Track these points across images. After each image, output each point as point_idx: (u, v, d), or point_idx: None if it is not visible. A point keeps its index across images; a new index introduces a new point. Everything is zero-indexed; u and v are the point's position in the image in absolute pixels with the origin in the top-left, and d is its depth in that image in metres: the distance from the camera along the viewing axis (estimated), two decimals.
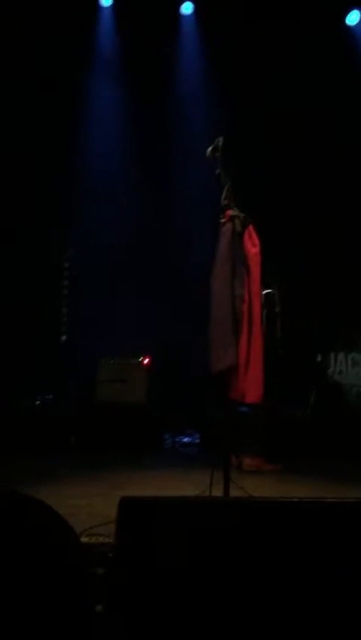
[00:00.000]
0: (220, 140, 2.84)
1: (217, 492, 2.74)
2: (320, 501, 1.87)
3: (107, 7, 6.67)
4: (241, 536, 1.74)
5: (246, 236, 2.64)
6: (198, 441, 5.76)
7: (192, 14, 6.75)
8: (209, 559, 1.72)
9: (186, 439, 5.94)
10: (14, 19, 6.12)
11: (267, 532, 1.76)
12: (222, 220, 2.64)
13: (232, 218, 2.61)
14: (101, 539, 2.62)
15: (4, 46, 6.06)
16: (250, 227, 2.73)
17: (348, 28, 6.68)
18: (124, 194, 6.42)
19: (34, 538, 2.10)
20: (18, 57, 6.11)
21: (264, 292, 3.62)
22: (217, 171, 2.79)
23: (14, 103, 6.14)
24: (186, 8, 6.71)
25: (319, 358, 6.11)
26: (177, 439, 5.87)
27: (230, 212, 2.63)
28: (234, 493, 2.99)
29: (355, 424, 5.35)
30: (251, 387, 2.63)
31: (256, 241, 2.72)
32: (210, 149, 2.88)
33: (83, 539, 2.57)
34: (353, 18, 6.64)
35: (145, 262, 6.36)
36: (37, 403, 6.18)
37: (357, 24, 6.64)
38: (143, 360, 6.37)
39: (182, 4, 6.69)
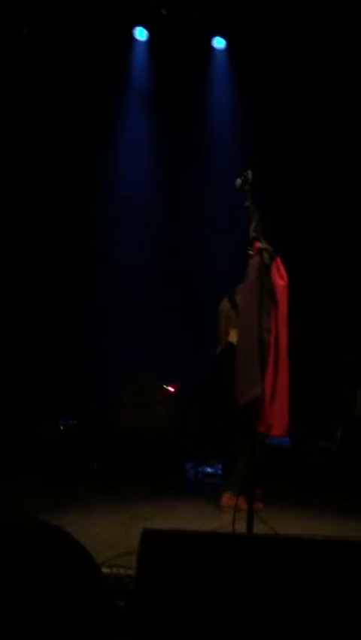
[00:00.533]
0: (250, 173, 2.87)
1: (241, 525, 2.71)
2: (345, 541, 1.83)
3: (142, 42, 6.84)
4: (264, 574, 1.71)
5: (274, 269, 2.65)
6: (220, 472, 5.70)
7: (224, 49, 6.87)
8: (231, 595, 1.69)
9: (208, 470, 5.88)
10: (53, 52, 6.31)
11: (291, 571, 1.73)
12: (251, 252, 2.66)
13: (260, 251, 2.62)
14: (122, 571, 2.60)
15: (41, 75, 6.26)
16: (278, 260, 2.73)
17: None
18: (153, 223, 6.50)
19: (54, 566, 2.10)
20: (56, 87, 6.29)
21: None
22: (246, 203, 2.81)
23: (49, 132, 6.30)
24: (219, 43, 6.84)
25: (346, 391, 6.03)
26: (199, 469, 5.81)
27: (258, 245, 2.64)
28: (257, 527, 2.95)
29: None
30: (277, 419, 2.61)
31: (284, 274, 2.73)
32: (239, 180, 2.91)
33: (104, 570, 2.55)
34: None
35: (173, 291, 6.40)
36: (61, 427, 6.19)
37: None
38: (168, 388, 6.37)
39: (214, 38, 6.82)
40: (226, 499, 4.05)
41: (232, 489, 4.00)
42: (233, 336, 4.21)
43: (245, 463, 4.01)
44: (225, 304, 4.29)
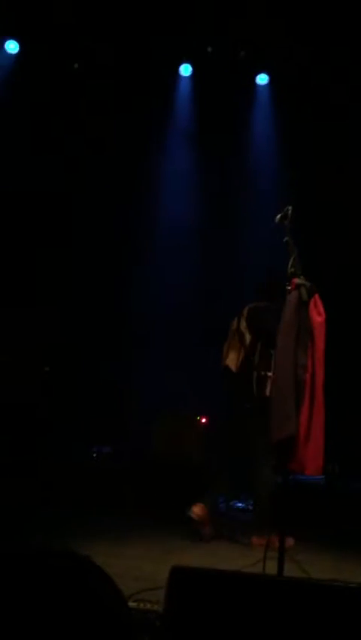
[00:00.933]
0: (289, 209, 2.89)
1: (272, 564, 2.65)
2: None
3: (186, 77, 6.99)
4: (293, 618, 1.67)
5: (311, 305, 2.64)
6: (251, 507, 5.61)
7: (266, 84, 6.97)
8: (257, 638, 1.65)
9: (240, 504, 5.79)
10: (99, 86, 6.50)
11: (322, 617, 1.68)
12: (289, 288, 2.66)
13: (298, 287, 2.62)
14: (149, 606, 2.57)
15: (86, 109, 6.44)
16: (316, 296, 2.72)
17: None
18: (193, 254, 6.56)
19: (82, 597, 2.09)
20: (101, 121, 6.46)
21: None
22: (285, 239, 2.82)
23: (92, 168, 6.45)
24: (262, 79, 6.95)
25: None
26: (230, 503, 5.73)
27: (296, 281, 2.64)
28: (289, 568, 2.88)
29: None
30: (311, 458, 2.57)
31: (322, 310, 2.71)
32: (279, 216, 2.93)
33: (131, 604, 2.52)
34: None
35: (210, 323, 6.42)
36: (95, 455, 6.20)
37: None
38: (201, 419, 6.34)
39: (258, 74, 6.93)
40: (256, 540, 3.98)
41: (259, 531, 3.94)
42: (231, 360, 4.22)
43: (262, 502, 4.01)
44: (233, 325, 4.32)
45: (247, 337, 4.12)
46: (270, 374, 3.91)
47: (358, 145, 6.32)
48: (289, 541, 3.78)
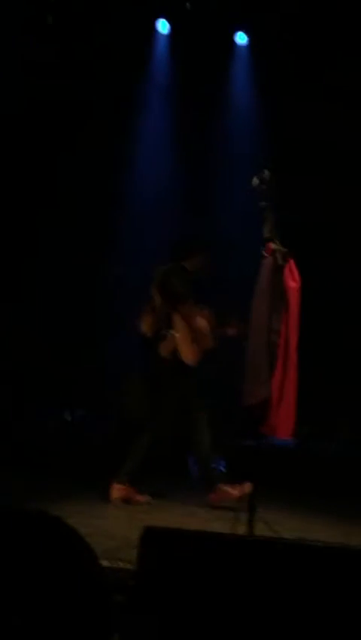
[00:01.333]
0: (266, 173, 2.85)
1: (242, 525, 2.72)
2: (346, 548, 1.83)
3: (164, 35, 6.82)
4: (262, 577, 1.71)
5: (286, 271, 2.64)
6: (223, 469, 5.69)
7: (246, 45, 6.84)
8: (227, 597, 1.69)
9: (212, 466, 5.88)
10: (74, 40, 6.30)
11: (290, 575, 1.73)
12: (264, 253, 2.65)
13: (273, 252, 2.61)
14: (122, 565, 2.61)
15: (61, 63, 6.25)
16: (291, 262, 2.72)
17: None
18: (168, 218, 6.48)
19: (52, 557, 2.11)
20: (75, 75, 6.29)
21: None
22: (262, 203, 2.80)
23: (66, 122, 6.30)
24: (241, 38, 6.81)
25: (352, 392, 6.02)
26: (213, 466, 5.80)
27: (272, 246, 2.63)
28: (258, 526, 2.95)
29: None
30: (283, 422, 2.61)
31: (297, 276, 2.71)
32: (256, 179, 2.90)
33: (104, 563, 2.56)
34: None
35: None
36: (69, 418, 6.21)
37: None
38: None
39: (236, 33, 6.79)
40: (213, 497, 4.06)
41: (210, 488, 4.05)
42: (145, 323, 4.23)
43: (136, 454, 4.10)
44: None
45: (156, 299, 4.13)
46: (172, 333, 4.01)
47: (338, 106, 6.26)
48: (247, 487, 3.77)
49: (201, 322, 4.09)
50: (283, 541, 1.89)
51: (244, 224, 4.49)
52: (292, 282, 2.69)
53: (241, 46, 6.86)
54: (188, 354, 4.01)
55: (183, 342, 3.99)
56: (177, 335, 3.99)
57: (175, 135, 6.77)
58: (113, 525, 3.51)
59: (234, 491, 3.96)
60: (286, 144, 6.32)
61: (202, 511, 4.07)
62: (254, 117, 6.71)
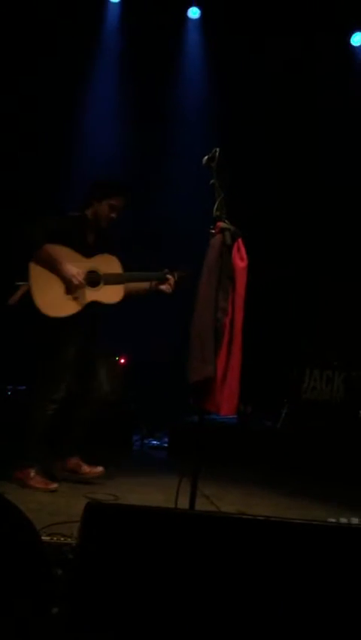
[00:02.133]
0: (217, 151, 2.84)
1: (184, 499, 2.75)
2: (285, 521, 1.88)
3: (115, 3, 6.66)
4: (204, 552, 1.74)
5: (235, 250, 2.65)
6: (166, 445, 5.76)
7: (198, 19, 6.76)
8: (167, 571, 1.72)
9: (154, 442, 5.94)
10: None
11: (230, 549, 1.77)
12: (213, 231, 2.65)
13: (222, 230, 2.62)
14: (62, 539, 2.62)
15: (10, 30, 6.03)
16: (240, 241, 2.73)
17: (353, 48, 6.77)
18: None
19: None
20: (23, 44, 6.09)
21: None
22: (212, 181, 2.79)
23: (16, 93, 6.10)
24: (194, 13, 6.73)
25: (293, 372, 6.15)
26: (145, 441, 5.86)
27: (221, 224, 2.64)
28: (199, 501, 3.00)
29: (324, 442, 5.40)
30: (226, 399, 2.64)
31: (244, 255, 2.73)
32: (206, 158, 2.88)
33: (44, 538, 2.56)
34: (358, 39, 6.72)
35: (134, 264, 6.36)
36: (9, 393, 6.12)
37: None
38: (119, 359, 6.37)
39: (189, 7, 6.71)
40: (72, 463, 4.01)
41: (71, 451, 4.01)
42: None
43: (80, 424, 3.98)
44: None
45: None
46: (19, 284, 3.75)
47: (287, 80, 6.29)
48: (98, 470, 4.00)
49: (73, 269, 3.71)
50: (223, 515, 1.92)
51: (192, 200, 4.48)
52: (240, 261, 2.70)
53: (193, 20, 6.79)
54: (40, 303, 3.65)
55: (35, 290, 3.66)
56: (25, 284, 3.70)
57: (125, 107, 6.66)
58: (56, 500, 3.50)
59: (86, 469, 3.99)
60: (236, 119, 6.31)
61: (146, 486, 4.10)
62: (206, 91, 6.67)
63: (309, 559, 1.78)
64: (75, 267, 3.74)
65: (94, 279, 3.85)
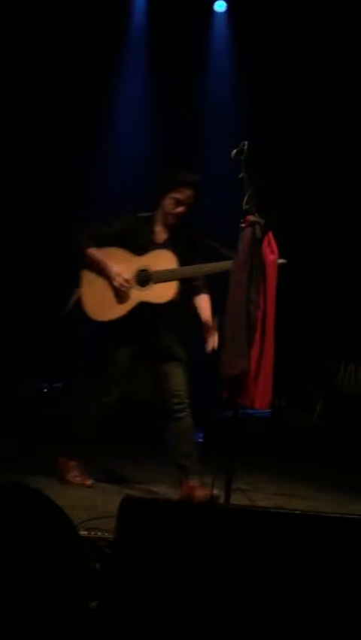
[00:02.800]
0: (245, 144, 2.82)
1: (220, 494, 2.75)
2: (322, 515, 1.86)
3: (142, 2, 6.68)
4: (240, 546, 1.74)
5: (265, 243, 2.63)
6: (200, 439, 5.76)
7: (225, 12, 6.73)
8: (208, 566, 1.72)
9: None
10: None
11: (266, 543, 1.76)
12: (243, 225, 2.64)
13: (252, 224, 2.60)
14: (100, 534, 2.64)
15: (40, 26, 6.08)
16: (270, 234, 2.72)
17: None
18: (145, 187, 6.41)
19: (31, 528, 2.12)
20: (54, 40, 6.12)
21: None
22: (241, 175, 2.78)
23: (49, 93, 6.16)
24: (220, 6, 6.70)
25: (328, 365, 6.09)
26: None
27: (251, 218, 2.62)
28: (235, 496, 2.99)
29: (360, 436, 5.34)
30: (260, 393, 2.63)
31: (275, 248, 2.71)
32: (234, 151, 2.87)
33: (82, 532, 2.59)
34: None
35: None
36: (45, 390, 6.20)
37: None
38: None
39: (215, 1, 6.68)
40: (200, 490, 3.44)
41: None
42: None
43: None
44: None
45: None
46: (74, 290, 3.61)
47: (315, 75, 6.21)
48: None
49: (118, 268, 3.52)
50: (260, 509, 1.92)
51: (222, 194, 4.45)
52: (271, 254, 2.69)
53: (219, 14, 6.75)
54: (87, 308, 3.54)
55: (84, 296, 3.55)
56: (78, 290, 3.60)
57: (153, 102, 6.66)
58: (93, 496, 3.53)
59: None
60: (265, 112, 6.26)
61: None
62: (233, 85, 6.63)
63: (347, 553, 1.76)
64: (123, 266, 3.50)
65: (144, 278, 3.54)
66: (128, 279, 3.48)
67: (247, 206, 2.68)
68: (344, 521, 1.82)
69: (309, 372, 6.06)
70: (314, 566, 1.73)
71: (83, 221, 3.76)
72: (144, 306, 3.50)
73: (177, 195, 3.53)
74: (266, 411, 5.47)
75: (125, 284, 3.47)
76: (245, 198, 2.69)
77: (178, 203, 3.55)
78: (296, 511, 1.83)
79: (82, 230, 3.62)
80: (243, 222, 2.66)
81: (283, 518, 1.81)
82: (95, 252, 3.54)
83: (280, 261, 2.94)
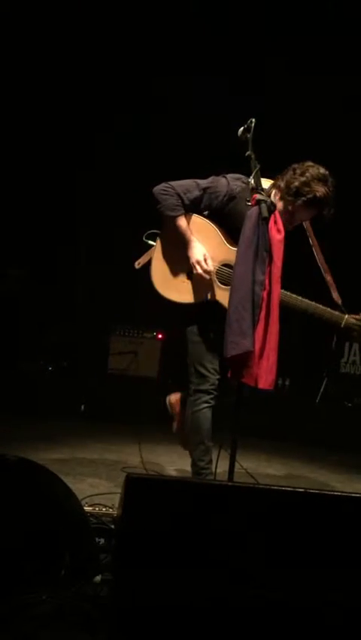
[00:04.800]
0: (252, 121, 2.77)
1: (222, 473, 2.77)
2: (325, 493, 1.88)
3: None
4: (244, 524, 1.76)
5: (271, 222, 2.61)
6: None
7: None
8: (211, 543, 1.74)
9: None
10: None
11: (270, 521, 1.78)
12: (249, 203, 2.61)
13: (258, 202, 2.58)
14: (104, 510, 2.68)
15: None
16: (276, 213, 2.69)
17: None
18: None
19: (38, 503, 2.15)
20: None
21: None
22: (247, 153, 2.73)
23: None
24: None
25: (333, 346, 6.09)
26: None
27: (257, 196, 2.60)
28: (237, 473, 3.01)
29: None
30: (265, 373, 2.63)
31: (281, 227, 2.69)
32: (241, 129, 2.82)
33: (86, 508, 2.62)
34: None
35: None
36: (50, 369, 6.24)
37: None
38: (157, 335, 6.41)
39: None
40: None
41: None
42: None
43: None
44: None
45: None
46: None
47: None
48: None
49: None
50: (264, 487, 1.93)
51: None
52: (277, 233, 2.66)
53: None
54: (154, 275, 3.12)
55: (154, 260, 3.10)
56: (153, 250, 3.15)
57: None
58: (97, 473, 3.57)
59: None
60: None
61: (185, 458, 4.14)
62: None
63: (350, 530, 1.78)
64: (210, 251, 2.94)
65: (227, 276, 2.94)
66: (210, 270, 2.93)
67: (253, 185, 2.64)
68: (348, 499, 1.83)
69: (313, 352, 6.06)
70: (318, 543, 1.75)
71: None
72: (214, 306, 2.98)
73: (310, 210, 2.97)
74: (270, 390, 5.49)
75: (206, 275, 2.91)
76: (251, 176, 2.66)
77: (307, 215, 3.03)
78: (299, 489, 1.84)
79: (175, 190, 2.95)
80: (249, 201, 2.63)
81: (286, 496, 1.82)
82: (185, 224, 2.96)
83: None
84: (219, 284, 2.96)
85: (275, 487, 1.87)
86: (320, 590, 1.71)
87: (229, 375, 2.74)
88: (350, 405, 5.79)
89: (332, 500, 1.84)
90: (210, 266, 2.91)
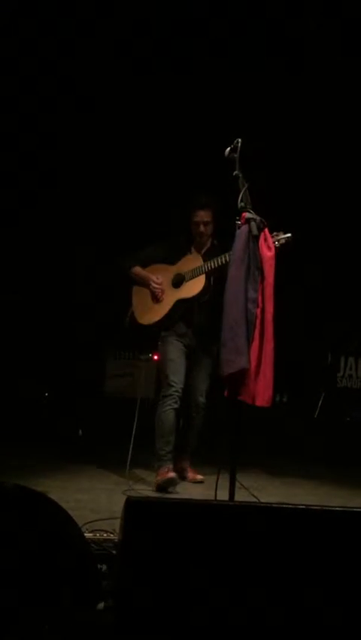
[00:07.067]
0: (239, 142, 2.82)
1: (223, 492, 2.75)
2: (327, 509, 1.87)
3: None
4: (246, 542, 1.74)
5: (261, 240, 2.63)
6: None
7: None
8: (214, 563, 1.72)
9: None
10: None
11: (271, 539, 1.76)
12: (238, 222, 2.64)
13: (247, 221, 2.60)
14: (105, 535, 2.64)
15: None
16: (266, 231, 2.72)
17: None
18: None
19: (37, 532, 2.12)
20: None
21: None
22: (235, 173, 2.77)
23: None
24: None
25: (329, 360, 6.10)
26: None
27: (246, 215, 2.62)
28: (238, 493, 2.99)
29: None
30: (261, 390, 2.63)
31: (272, 245, 2.71)
32: (228, 149, 2.86)
33: (87, 534, 2.59)
34: None
35: None
36: (46, 394, 6.22)
37: None
38: (153, 356, 6.40)
39: None
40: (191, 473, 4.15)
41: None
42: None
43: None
44: None
45: None
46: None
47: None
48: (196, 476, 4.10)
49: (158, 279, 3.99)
50: (263, 505, 1.92)
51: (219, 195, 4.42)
52: (268, 251, 2.69)
53: None
54: (137, 316, 4.05)
55: (134, 307, 4.06)
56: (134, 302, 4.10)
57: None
58: (97, 498, 3.54)
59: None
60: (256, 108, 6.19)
61: (182, 482, 4.11)
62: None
63: (352, 547, 1.76)
64: (162, 275, 3.99)
65: (179, 280, 4.00)
66: (161, 281, 3.96)
67: (242, 204, 2.67)
68: (349, 515, 1.82)
69: (309, 368, 6.06)
70: (319, 560, 1.73)
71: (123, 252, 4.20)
72: (181, 305, 3.94)
73: (194, 218, 3.98)
74: (268, 407, 5.48)
75: (158, 285, 3.94)
76: (240, 195, 2.69)
77: (197, 225, 3.97)
78: (300, 506, 1.83)
79: (125, 256, 4.10)
80: (239, 220, 2.66)
81: (287, 513, 1.81)
82: (139, 270, 4.03)
83: (284, 236, 3.10)
84: (173, 289, 3.97)
85: (276, 505, 1.86)
86: (322, 606, 1.70)
87: (225, 394, 2.74)
88: (348, 419, 5.78)
89: (335, 516, 1.83)
90: (160, 279, 3.96)
